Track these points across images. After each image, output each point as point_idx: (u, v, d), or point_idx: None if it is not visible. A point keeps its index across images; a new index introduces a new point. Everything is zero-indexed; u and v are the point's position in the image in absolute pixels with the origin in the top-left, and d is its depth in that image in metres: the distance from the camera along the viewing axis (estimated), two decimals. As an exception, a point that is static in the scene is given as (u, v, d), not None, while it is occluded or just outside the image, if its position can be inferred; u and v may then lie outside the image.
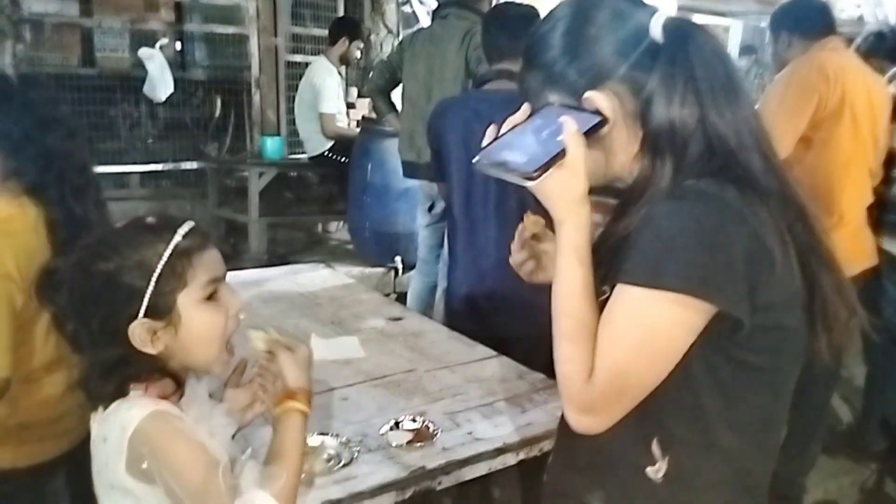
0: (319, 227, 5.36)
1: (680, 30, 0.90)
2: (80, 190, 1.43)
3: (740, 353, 0.87)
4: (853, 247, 2.36)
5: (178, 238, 0.99)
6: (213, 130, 5.70)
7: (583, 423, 0.87)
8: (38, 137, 1.38)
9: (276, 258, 4.29)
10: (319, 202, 5.35)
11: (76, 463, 1.09)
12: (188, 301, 1.00)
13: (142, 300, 0.97)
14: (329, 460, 1.27)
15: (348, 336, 1.91)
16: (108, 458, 1.00)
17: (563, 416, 1.09)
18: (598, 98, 0.89)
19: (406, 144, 3.36)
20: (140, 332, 0.98)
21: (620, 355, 0.83)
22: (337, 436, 1.34)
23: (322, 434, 1.34)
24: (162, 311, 0.98)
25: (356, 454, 1.29)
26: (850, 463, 2.84)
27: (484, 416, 1.48)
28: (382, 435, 1.36)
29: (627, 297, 0.83)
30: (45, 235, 1.38)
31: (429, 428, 1.38)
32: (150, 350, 0.99)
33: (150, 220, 1.03)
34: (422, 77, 3.25)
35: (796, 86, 2.31)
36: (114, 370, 1.00)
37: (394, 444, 1.33)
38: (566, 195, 0.86)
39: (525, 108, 0.92)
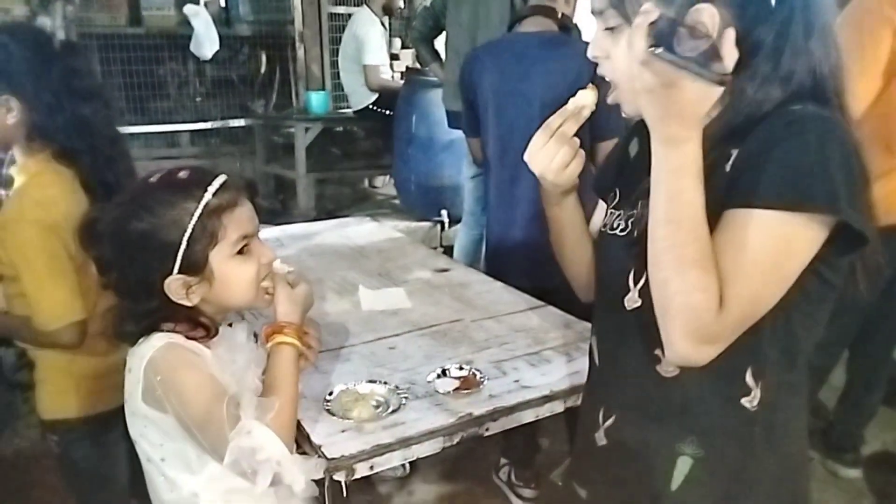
0: (366, 182, 5.38)
1: None
2: (112, 160, 1.47)
3: (826, 270, 0.87)
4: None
5: (208, 196, 1.01)
6: (259, 87, 5.73)
7: (700, 354, 0.83)
8: (73, 107, 1.40)
9: (324, 214, 4.33)
10: (366, 156, 5.35)
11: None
12: (220, 257, 1.03)
13: (175, 258, 1.01)
14: (377, 406, 1.28)
15: (395, 287, 1.92)
16: (131, 387, 1.06)
17: (592, 373, 1.08)
18: (708, 12, 0.82)
19: (451, 94, 3.30)
20: (175, 287, 1.02)
21: (756, 281, 0.82)
22: (385, 383, 1.35)
23: (370, 381, 1.36)
24: (195, 267, 1.02)
25: (404, 401, 1.30)
26: (911, 414, 2.77)
27: (531, 364, 1.47)
28: (430, 382, 1.37)
29: (759, 221, 0.81)
30: (81, 191, 1.42)
31: (475, 376, 1.39)
32: (185, 302, 1.04)
33: (182, 175, 1.05)
34: (466, 23, 3.16)
35: (864, 22, 2.13)
36: (148, 317, 1.05)
37: (441, 392, 1.34)
38: (699, 110, 0.82)
39: (651, 7, 0.83)
